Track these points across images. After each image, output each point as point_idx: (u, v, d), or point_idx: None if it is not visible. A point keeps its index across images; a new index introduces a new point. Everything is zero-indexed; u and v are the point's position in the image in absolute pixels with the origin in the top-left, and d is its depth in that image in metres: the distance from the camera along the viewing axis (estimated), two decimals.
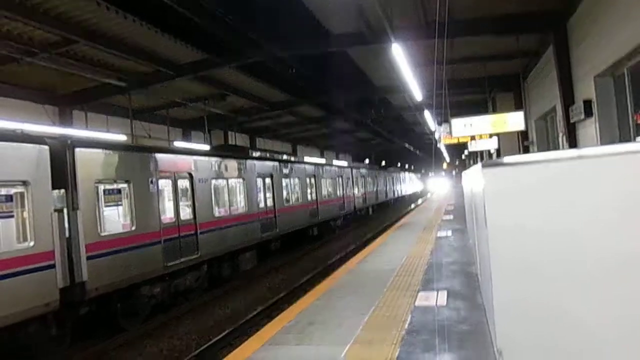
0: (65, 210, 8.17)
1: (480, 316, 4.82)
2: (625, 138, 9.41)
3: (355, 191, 28.99)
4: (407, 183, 54.91)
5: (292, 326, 5.14)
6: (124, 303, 9.38)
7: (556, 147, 14.74)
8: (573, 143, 11.96)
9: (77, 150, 8.43)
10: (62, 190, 8.24)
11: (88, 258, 8.31)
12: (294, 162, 20.70)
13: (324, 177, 23.20)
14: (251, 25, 11.75)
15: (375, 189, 35.33)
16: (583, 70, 10.97)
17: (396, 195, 45.40)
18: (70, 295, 8.05)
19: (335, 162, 32.52)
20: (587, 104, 10.52)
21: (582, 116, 10.72)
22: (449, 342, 4.18)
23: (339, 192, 25.60)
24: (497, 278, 3.22)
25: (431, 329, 4.59)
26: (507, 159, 3.19)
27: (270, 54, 13.46)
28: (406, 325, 4.78)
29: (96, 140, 11.66)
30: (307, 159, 26.34)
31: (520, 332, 3.08)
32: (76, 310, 8.42)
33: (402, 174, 52.09)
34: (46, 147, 7.86)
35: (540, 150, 16.77)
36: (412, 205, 36.12)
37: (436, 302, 5.59)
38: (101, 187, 9.08)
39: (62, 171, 8.19)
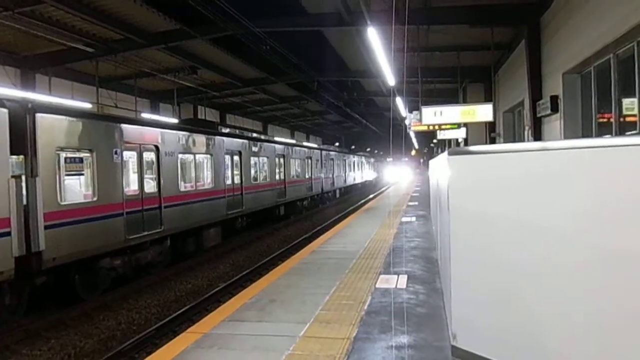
0: (23, 177, 7.90)
1: (438, 300, 4.94)
2: (587, 135, 9.70)
3: (324, 173, 29.08)
4: (376, 168, 55.36)
5: (253, 303, 5.15)
6: (82, 274, 9.21)
7: (522, 140, 15.08)
8: (538, 137, 12.26)
9: (38, 115, 8.13)
10: (21, 156, 7.95)
11: (46, 227, 8.08)
12: (264, 140, 20.50)
13: (293, 158, 23.12)
14: None
15: (344, 173, 35.49)
16: (552, 66, 11.20)
17: (364, 179, 45.75)
18: (26, 264, 7.84)
19: (305, 143, 32.38)
20: (554, 99, 10.78)
21: (548, 111, 10.98)
22: (407, 324, 4.27)
23: (308, 174, 25.60)
24: (456, 263, 3.29)
25: (390, 311, 4.67)
26: (472, 148, 3.24)
27: (245, 28, 13.22)
28: (366, 307, 4.86)
29: (59, 106, 11.27)
30: (277, 138, 26.15)
31: (474, 317, 3.16)
32: (32, 280, 8.22)
33: (371, 159, 52.43)
34: (5, 110, 7.55)
35: (506, 142, 17.15)
36: (379, 190, 36.46)
37: (396, 285, 5.69)
38: (62, 155, 8.81)
39: (21, 136, 7.89)
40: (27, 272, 7.93)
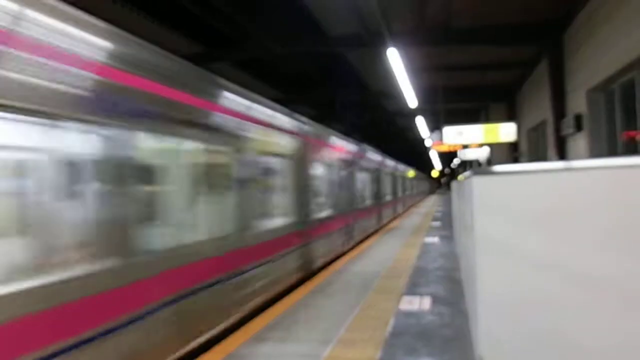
0: None
1: (463, 322, 4.87)
2: (613, 154, 9.54)
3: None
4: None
5: (277, 323, 5.15)
6: None
7: (546, 160, 14.89)
8: (562, 156, 12.09)
9: None
10: None
11: None
12: None
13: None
14: (249, 20, 11.76)
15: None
16: (575, 83, 11.10)
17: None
18: None
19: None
20: (578, 118, 10.65)
21: (572, 130, 10.85)
22: (432, 346, 4.22)
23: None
24: (482, 285, 3.26)
25: (414, 333, 4.62)
26: (497, 168, 3.24)
27: (268, 50, 13.44)
28: (389, 328, 4.82)
29: None
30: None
31: (502, 340, 3.12)
32: None
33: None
34: None
35: (529, 162, 16.94)
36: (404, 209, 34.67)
37: (420, 306, 5.63)
38: None
39: None
40: None
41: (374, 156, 16.08)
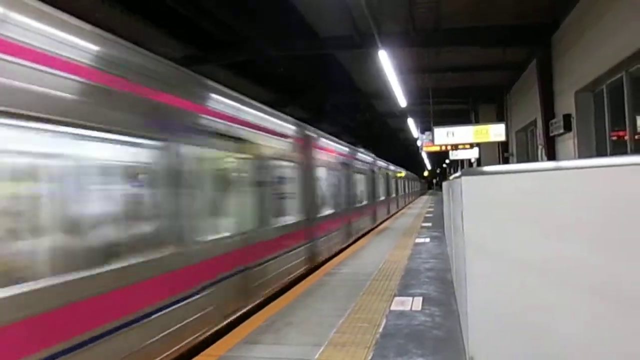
0: None
1: (455, 323, 4.87)
2: (602, 153, 9.62)
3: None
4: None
5: (268, 325, 5.13)
6: None
7: (535, 160, 15.00)
8: (552, 156, 12.18)
9: None
10: None
11: None
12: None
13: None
14: (241, 22, 11.74)
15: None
16: (564, 84, 11.19)
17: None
18: None
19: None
20: (567, 118, 10.74)
21: (562, 130, 10.93)
22: (423, 347, 4.22)
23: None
24: (472, 285, 3.27)
25: (405, 334, 4.62)
26: (486, 168, 3.25)
27: (261, 52, 13.42)
28: (380, 329, 4.81)
29: None
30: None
31: (492, 340, 3.12)
32: None
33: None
34: None
35: (519, 162, 17.05)
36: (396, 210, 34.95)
37: (411, 307, 5.63)
38: None
39: None
40: None
41: (363, 157, 16.09)
